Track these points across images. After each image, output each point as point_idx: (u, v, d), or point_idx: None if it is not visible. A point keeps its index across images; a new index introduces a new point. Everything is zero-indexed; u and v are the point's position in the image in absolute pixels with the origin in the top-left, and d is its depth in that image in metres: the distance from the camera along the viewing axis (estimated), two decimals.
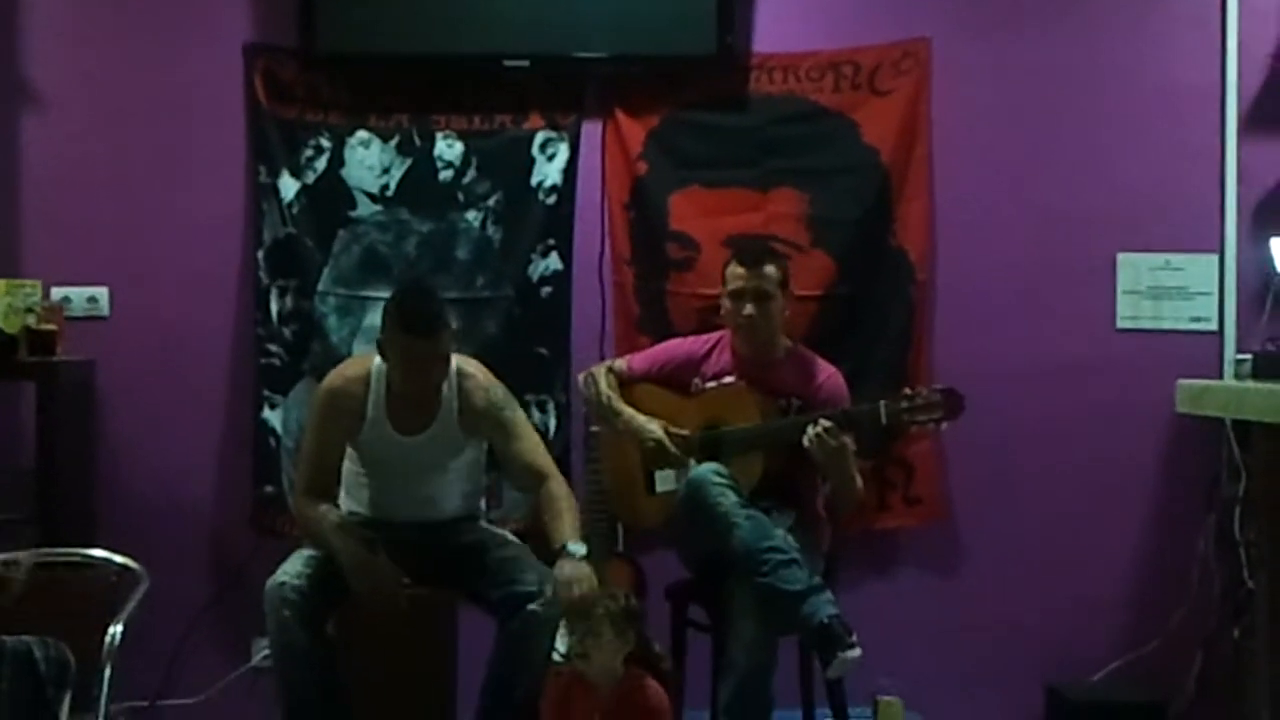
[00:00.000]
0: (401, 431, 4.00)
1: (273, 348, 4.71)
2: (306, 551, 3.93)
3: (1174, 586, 4.75)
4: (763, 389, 4.24)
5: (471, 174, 4.75)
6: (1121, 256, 4.81)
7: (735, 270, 4.25)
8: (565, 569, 3.84)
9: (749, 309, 4.20)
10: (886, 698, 4.48)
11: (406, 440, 4.00)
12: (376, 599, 3.84)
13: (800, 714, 4.10)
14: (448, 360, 3.96)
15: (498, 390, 4.07)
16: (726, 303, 4.28)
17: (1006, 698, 4.74)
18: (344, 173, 4.73)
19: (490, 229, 4.74)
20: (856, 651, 3.76)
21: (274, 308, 4.71)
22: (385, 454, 4.03)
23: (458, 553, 4.04)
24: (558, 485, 4.04)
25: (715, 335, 4.41)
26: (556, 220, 4.76)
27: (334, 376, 4.07)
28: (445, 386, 3.99)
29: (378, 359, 3.98)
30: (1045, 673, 4.67)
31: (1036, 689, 4.65)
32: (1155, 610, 4.76)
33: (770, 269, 4.24)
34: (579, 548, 3.88)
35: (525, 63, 4.66)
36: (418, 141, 4.75)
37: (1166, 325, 4.81)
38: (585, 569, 3.84)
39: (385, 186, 4.74)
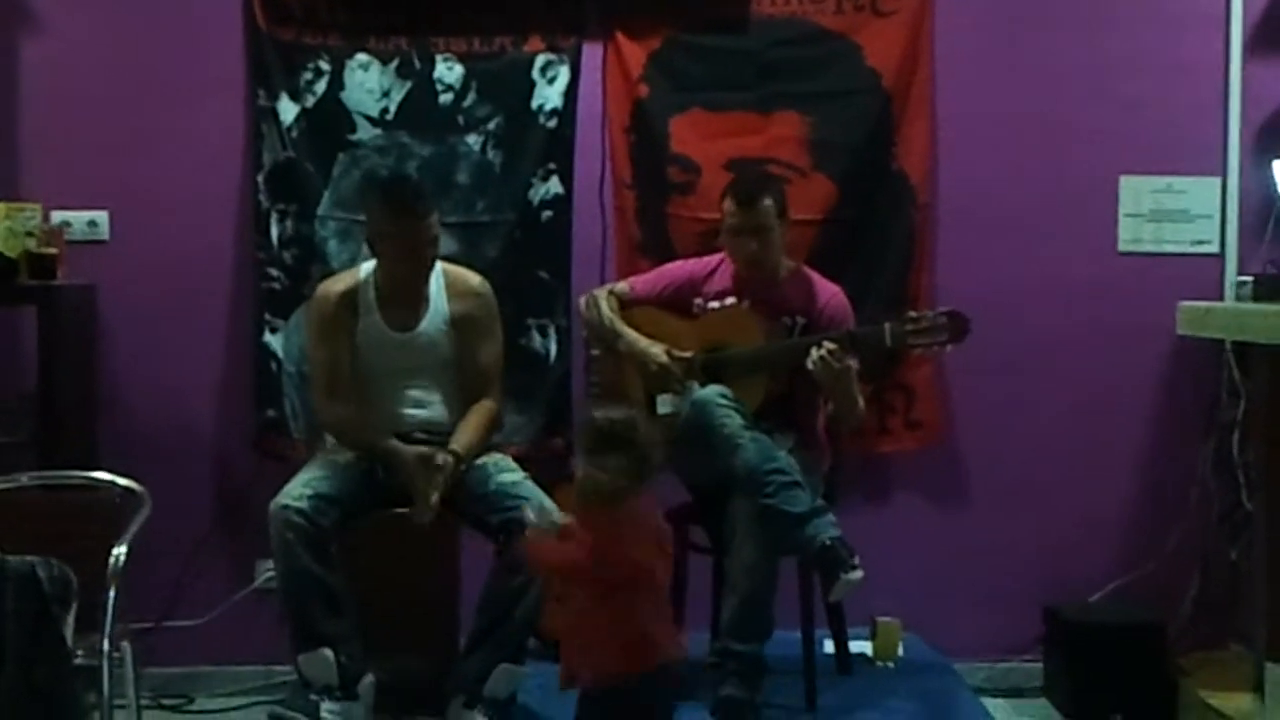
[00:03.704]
0: (393, 327, 4.12)
1: (273, 272, 4.70)
2: (308, 473, 3.96)
3: (1172, 508, 4.77)
4: (766, 307, 4.25)
5: (471, 97, 4.71)
6: (1124, 179, 4.79)
7: (731, 208, 4.25)
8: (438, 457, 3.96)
9: (752, 246, 4.22)
10: (885, 619, 4.50)
11: (399, 336, 4.11)
12: (425, 498, 3.91)
13: (800, 635, 4.12)
14: (437, 241, 4.10)
15: (486, 286, 4.23)
16: (726, 238, 4.29)
17: (1005, 619, 4.76)
18: (343, 96, 4.69)
19: (490, 153, 4.71)
20: (858, 574, 3.80)
21: (274, 232, 4.69)
22: (379, 355, 4.13)
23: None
24: (492, 405, 4.18)
25: (716, 256, 4.41)
26: (557, 144, 4.73)
27: (324, 285, 4.24)
28: (432, 285, 4.13)
29: (365, 267, 4.16)
30: (1043, 594, 4.70)
31: (1035, 610, 4.69)
32: (1153, 532, 4.78)
33: (766, 202, 4.23)
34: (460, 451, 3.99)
35: None
36: (417, 64, 4.71)
37: (1168, 248, 4.80)
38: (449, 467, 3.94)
39: (385, 110, 4.71)
